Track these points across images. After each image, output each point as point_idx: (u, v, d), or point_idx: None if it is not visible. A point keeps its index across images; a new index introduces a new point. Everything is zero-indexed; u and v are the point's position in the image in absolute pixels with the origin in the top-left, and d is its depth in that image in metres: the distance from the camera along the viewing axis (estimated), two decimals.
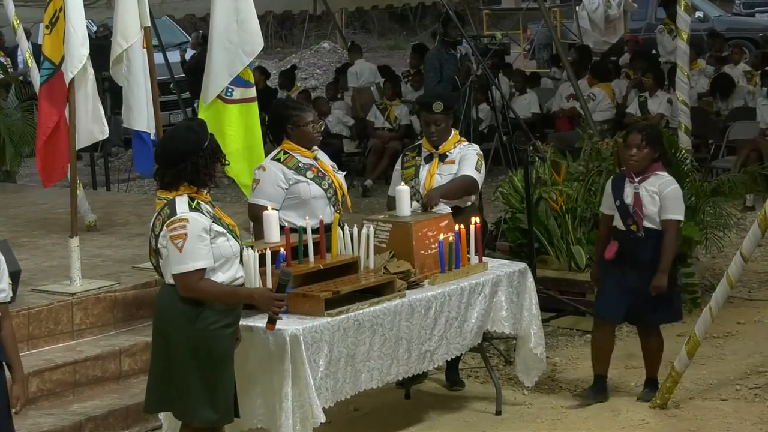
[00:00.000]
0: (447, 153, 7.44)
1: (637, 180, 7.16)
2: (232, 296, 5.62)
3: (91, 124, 7.96)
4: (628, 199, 7.16)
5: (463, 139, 7.59)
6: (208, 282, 5.49)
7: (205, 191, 5.61)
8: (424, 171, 7.42)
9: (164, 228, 5.49)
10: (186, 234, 5.42)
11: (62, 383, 6.99)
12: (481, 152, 7.53)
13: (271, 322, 5.71)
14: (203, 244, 5.45)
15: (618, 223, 7.23)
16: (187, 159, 5.50)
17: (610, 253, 7.19)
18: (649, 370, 7.45)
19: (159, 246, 5.55)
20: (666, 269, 7.07)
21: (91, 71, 7.87)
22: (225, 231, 5.56)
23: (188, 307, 5.50)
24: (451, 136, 7.46)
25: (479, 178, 7.41)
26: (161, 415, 6.03)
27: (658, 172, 7.16)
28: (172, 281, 5.55)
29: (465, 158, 7.41)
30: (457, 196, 7.32)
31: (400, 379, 6.70)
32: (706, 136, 13.80)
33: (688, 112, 9.83)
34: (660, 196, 7.09)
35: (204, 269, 5.46)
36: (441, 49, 13.47)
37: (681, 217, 7.21)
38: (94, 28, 16.06)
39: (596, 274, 7.49)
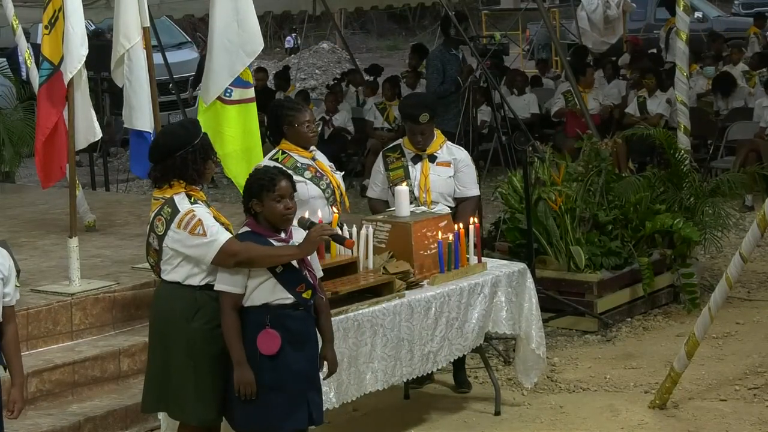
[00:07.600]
0: (435, 154, 7.53)
1: None
2: (277, 251, 5.46)
3: (84, 127, 7.95)
4: None
5: (444, 137, 7.65)
6: (247, 243, 5.52)
7: (199, 188, 5.64)
8: (416, 171, 7.46)
9: (173, 230, 5.48)
10: (200, 219, 5.46)
11: (61, 384, 6.98)
12: (469, 155, 7.70)
13: (340, 242, 5.90)
14: (216, 222, 5.50)
15: None
16: (176, 154, 5.53)
17: None
18: None
19: (164, 246, 5.54)
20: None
21: (85, 73, 7.86)
22: None
23: (185, 306, 5.50)
24: (435, 138, 7.53)
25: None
26: (160, 416, 6.01)
27: None
28: (169, 279, 5.56)
29: (464, 172, 7.52)
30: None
31: (405, 380, 6.70)
32: (705, 137, 13.82)
33: (687, 112, 9.84)
34: None
35: (231, 236, 5.47)
36: (443, 49, 13.40)
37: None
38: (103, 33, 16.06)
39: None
